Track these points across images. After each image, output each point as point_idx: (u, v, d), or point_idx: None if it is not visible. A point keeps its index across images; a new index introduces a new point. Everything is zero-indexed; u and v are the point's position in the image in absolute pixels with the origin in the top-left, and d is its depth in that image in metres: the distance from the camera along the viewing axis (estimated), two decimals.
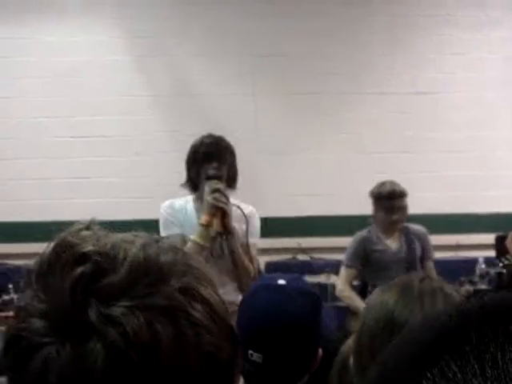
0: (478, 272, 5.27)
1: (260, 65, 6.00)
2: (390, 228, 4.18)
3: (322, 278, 5.21)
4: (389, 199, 4.13)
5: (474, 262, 5.31)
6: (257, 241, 3.42)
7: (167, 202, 3.33)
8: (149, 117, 5.95)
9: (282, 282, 1.55)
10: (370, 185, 5.91)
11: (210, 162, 3.27)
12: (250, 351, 1.48)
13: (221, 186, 3.16)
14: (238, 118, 5.98)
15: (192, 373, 0.63)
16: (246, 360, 1.50)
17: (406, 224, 4.22)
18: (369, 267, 4.14)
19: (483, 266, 5.28)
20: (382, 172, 5.92)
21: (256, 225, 3.44)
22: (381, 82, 6.05)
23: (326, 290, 5.08)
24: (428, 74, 6.07)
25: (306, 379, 1.55)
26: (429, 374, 0.37)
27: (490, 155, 6.05)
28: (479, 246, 5.68)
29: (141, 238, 0.68)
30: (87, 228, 0.68)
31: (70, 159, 5.76)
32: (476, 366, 0.36)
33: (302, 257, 5.93)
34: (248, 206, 3.46)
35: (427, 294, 1.30)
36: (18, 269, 4.69)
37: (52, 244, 0.66)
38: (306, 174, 5.96)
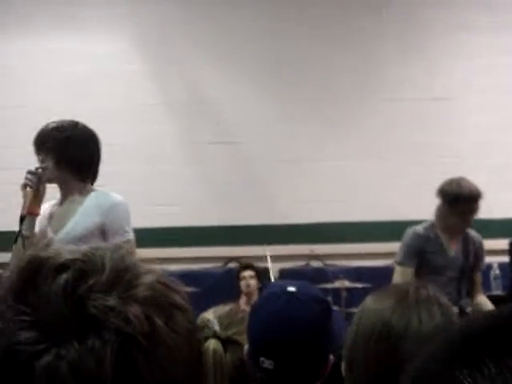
0: (492, 277, 5.25)
1: (275, 72, 6.02)
2: (457, 232, 3.84)
3: (335, 285, 5.21)
4: (468, 202, 3.71)
5: (489, 267, 5.29)
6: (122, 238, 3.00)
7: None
8: (163, 125, 5.99)
9: (292, 288, 1.57)
10: (384, 191, 5.95)
11: (37, 153, 3.14)
12: (262, 358, 1.50)
13: (33, 169, 3.04)
14: (251, 126, 6.02)
15: (184, 353, 0.69)
16: (257, 367, 1.52)
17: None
18: (421, 268, 3.77)
19: (497, 271, 5.27)
20: (395, 178, 5.94)
21: (117, 217, 3.05)
22: (396, 88, 6.05)
23: (340, 297, 5.09)
24: (443, 80, 6.06)
25: None
26: (465, 370, 0.42)
27: (505, 160, 6.03)
28: (493, 251, 5.66)
29: (103, 245, 0.73)
30: (48, 245, 0.71)
31: None
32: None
33: (315, 263, 5.94)
34: (115, 195, 3.13)
35: (423, 303, 1.30)
36: None
37: (20, 262, 0.69)
38: (318, 181, 5.97)
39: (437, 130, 6.03)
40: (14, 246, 3.08)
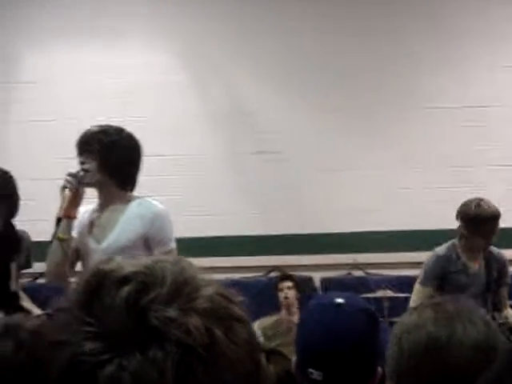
0: None
1: (314, 83, 6.03)
2: (479, 251, 3.92)
3: (377, 294, 5.17)
4: (488, 223, 3.78)
5: None
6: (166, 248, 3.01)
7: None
8: (205, 135, 6.03)
9: (340, 300, 1.57)
10: (424, 200, 5.90)
11: (80, 155, 3.09)
12: (310, 369, 1.50)
13: (74, 171, 3.02)
14: (292, 136, 6.02)
15: (245, 365, 0.69)
16: (305, 378, 1.52)
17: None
18: (444, 287, 3.89)
19: None
20: (434, 187, 5.89)
21: (160, 227, 3.04)
22: (433, 98, 6.00)
23: (382, 306, 5.05)
24: (477, 88, 6.00)
25: None
26: None
27: None
28: None
29: (163, 258, 0.74)
30: (110, 259, 0.73)
31: None
32: None
33: (357, 273, 5.91)
34: (157, 204, 3.11)
35: (464, 313, 1.30)
36: None
37: (84, 277, 0.71)
38: (360, 190, 5.94)
39: (474, 140, 5.95)
40: (49, 248, 3.10)
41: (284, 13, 6.09)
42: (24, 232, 4.02)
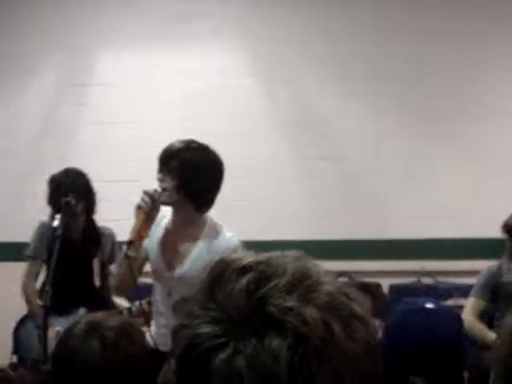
0: None
1: (383, 87, 5.96)
2: None
3: (449, 302, 5.06)
4: None
5: None
6: None
7: None
8: (273, 140, 6.04)
9: (430, 305, 1.54)
10: (499, 207, 5.73)
11: (159, 172, 3.01)
12: (412, 377, 1.47)
13: (153, 190, 2.93)
14: (360, 141, 5.97)
15: (363, 364, 0.69)
16: None
17: None
18: (498, 299, 4.02)
19: None
20: (510, 194, 5.72)
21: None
22: (502, 102, 5.85)
23: None
24: None
25: None
26: None
27: None
28: None
29: (287, 252, 0.75)
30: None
31: None
32: None
33: (426, 280, 5.80)
34: (230, 236, 3.01)
35: None
36: None
37: (208, 267, 0.74)
38: (430, 196, 5.84)
39: None
40: (116, 266, 3.13)
41: (355, 17, 6.04)
42: (106, 228, 4.14)
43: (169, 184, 2.95)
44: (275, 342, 0.65)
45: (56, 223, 3.71)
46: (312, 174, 6.01)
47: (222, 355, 0.66)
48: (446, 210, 5.79)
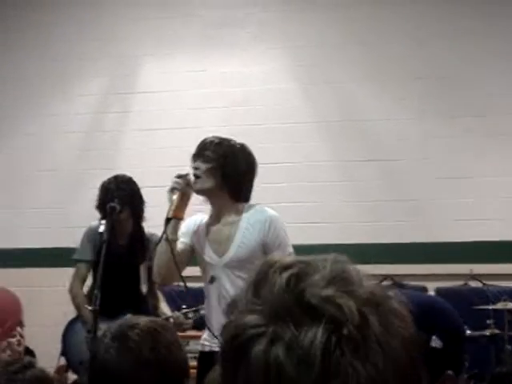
0: None
1: (426, 88, 5.89)
2: None
3: (497, 306, 4.97)
4: None
5: None
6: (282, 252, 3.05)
7: None
8: (316, 143, 6.03)
9: None
10: None
11: (194, 161, 3.18)
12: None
13: (183, 173, 3.09)
14: (404, 143, 5.91)
15: (399, 358, 0.71)
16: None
17: None
18: None
19: None
20: None
21: (277, 232, 3.10)
22: None
23: (502, 318, 4.85)
24: None
25: None
26: None
27: None
28: None
29: (327, 256, 0.78)
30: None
31: None
32: None
33: (473, 283, 5.70)
34: (269, 209, 3.20)
35: None
36: None
37: (257, 266, 0.78)
38: (477, 198, 5.74)
39: None
40: (157, 247, 3.15)
41: (399, 18, 5.99)
42: (152, 234, 4.15)
43: (202, 171, 3.08)
44: (312, 329, 0.68)
45: (102, 228, 3.77)
46: (354, 177, 5.97)
47: (261, 343, 0.69)
48: (494, 213, 5.69)
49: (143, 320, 1.73)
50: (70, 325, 4.30)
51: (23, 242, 6.24)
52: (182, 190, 3.05)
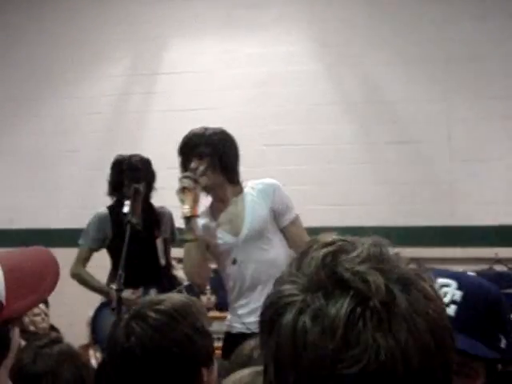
0: None
1: (452, 70, 5.82)
2: None
3: None
4: None
5: None
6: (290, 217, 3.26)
7: None
8: (340, 125, 5.99)
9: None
10: None
11: (186, 161, 3.31)
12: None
13: (189, 173, 3.16)
14: (430, 125, 5.85)
15: (422, 336, 0.73)
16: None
17: None
18: None
19: None
20: None
21: (281, 197, 3.25)
22: None
23: None
24: None
25: None
26: None
27: None
28: None
29: (366, 238, 0.82)
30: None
31: (263, 167, 5.95)
32: None
33: (498, 267, 5.65)
34: (267, 179, 3.34)
35: None
36: None
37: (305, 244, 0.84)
38: (503, 181, 5.68)
39: None
40: (185, 249, 3.23)
41: (426, 2, 5.91)
42: (162, 207, 4.22)
43: (203, 166, 3.18)
44: (339, 299, 0.73)
45: (126, 209, 3.79)
46: (380, 159, 5.93)
47: (292, 311, 0.75)
48: None
49: (167, 301, 1.73)
50: (100, 308, 4.33)
51: (49, 223, 6.31)
52: (193, 188, 3.14)
